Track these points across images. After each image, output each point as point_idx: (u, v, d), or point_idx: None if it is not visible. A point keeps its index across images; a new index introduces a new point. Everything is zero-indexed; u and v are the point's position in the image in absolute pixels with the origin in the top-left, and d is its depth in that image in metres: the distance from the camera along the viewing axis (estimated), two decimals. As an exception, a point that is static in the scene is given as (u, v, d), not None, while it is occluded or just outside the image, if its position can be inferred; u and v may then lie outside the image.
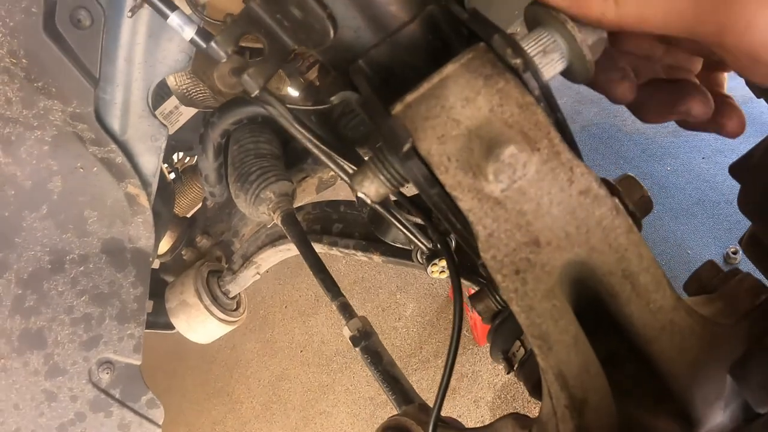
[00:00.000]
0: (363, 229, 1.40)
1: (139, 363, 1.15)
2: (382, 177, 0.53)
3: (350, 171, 0.75)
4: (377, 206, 0.57)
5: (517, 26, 1.43)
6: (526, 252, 0.51)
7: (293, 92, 1.31)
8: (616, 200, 0.52)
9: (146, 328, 1.17)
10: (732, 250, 2.63)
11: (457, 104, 0.51)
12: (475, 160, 0.50)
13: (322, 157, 0.76)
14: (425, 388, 2.85)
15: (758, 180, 0.74)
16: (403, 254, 1.29)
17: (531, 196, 0.51)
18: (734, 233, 2.80)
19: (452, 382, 2.85)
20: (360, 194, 0.55)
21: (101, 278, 1.07)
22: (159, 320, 1.63)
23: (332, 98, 0.57)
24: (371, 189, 0.54)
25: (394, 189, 0.55)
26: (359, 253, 1.37)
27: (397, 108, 0.52)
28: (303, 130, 0.71)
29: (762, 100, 0.68)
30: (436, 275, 1.13)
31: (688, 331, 0.52)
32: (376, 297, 3.36)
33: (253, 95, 0.61)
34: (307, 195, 1.60)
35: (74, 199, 1.00)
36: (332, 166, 0.76)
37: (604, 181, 0.70)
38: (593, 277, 0.52)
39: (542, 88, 0.51)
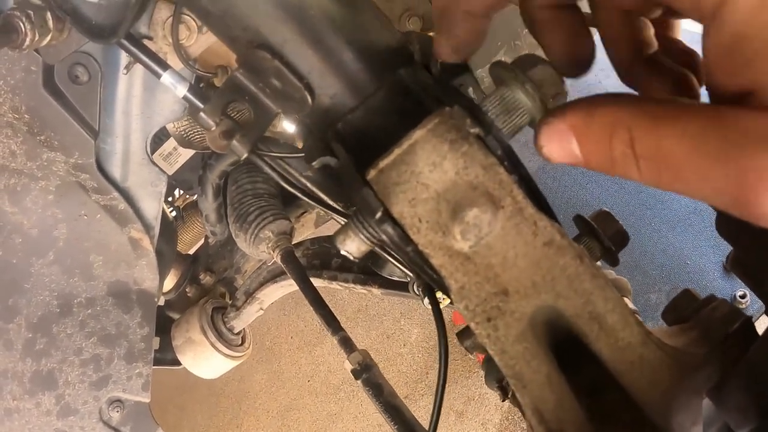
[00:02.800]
0: (361, 263, 1.43)
1: (148, 400, 1.17)
2: (362, 236, 0.56)
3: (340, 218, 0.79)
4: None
5: (502, 55, 1.45)
6: (496, 301, 0.54)
7: (289, 127, 1.33)
8: (581, 248, 0.54)
9: (154, 365, 1.19)
10: (740, 293, 2.56)
11: (425, 169, 0.54)
12: (443, 221, 0.53)
13: (316, 205, 0.79)
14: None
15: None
16: (400, 287, 1.32)
17: (498, 251, 0.54)
18: (732, 242, 2.78)
19: (459, 406, 2.86)
20: (343, 252, 0.58)
21: (108, 320, 1.10)
22: (166, 357, 1.63)
23: (313, 163, 0.60)
24: (353, 247, 0.57)
25: (375, 246, 0.58)
26: (358, 287, 1.39)
27: (372, 174, 0.54)
28: (289, 187, 0.75)
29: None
30: (433, 306, 1.15)
31: (659, 363, 0.54)
32: (381, 324, 3.37)
33: (242, 158, 0.65)
34: (306, 230, 1.62)
35: (80, 245, 1.02)
36: (327, 212, 0.80)
37: (582, 219, 0.72)
38: (563, 319, 0.54)
39: (504, 148, 0.54)
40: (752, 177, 0.35)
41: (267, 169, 0.74)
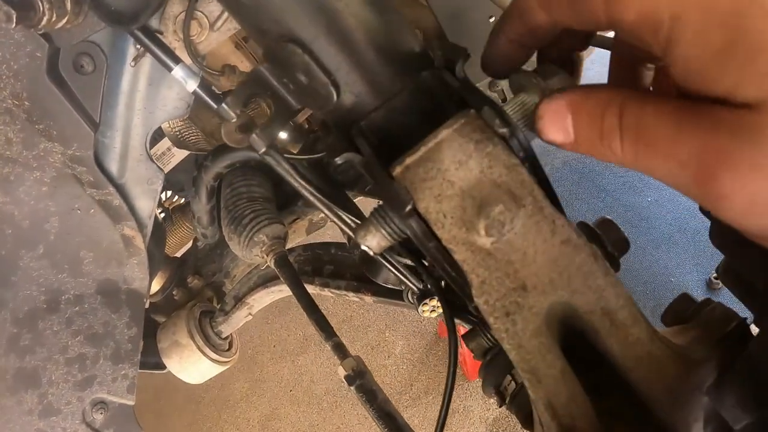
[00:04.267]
0: (354, 270, 1.42)
1: (132, 403, 1.14)
2: (383, 231, 0.59)
3: (348, 221, 0.80)
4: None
5: (486, 82, 1.46)
6: (514, 296, 0.56)
7: (282, 134, 1.33)
8: (594, 247, 0.57)
9: (137, 368, 1.17)
10: (714, 276, 2.69)
11: (452, 167, 0.56)
12: (468, 217, 0.56)
13: (323, 210, 0.80)
14: (417, 425, 2.84)
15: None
16: (394, 294, 1.32)
17: (518, 247, 0.56)
18: (715, 259, 2.79)
19: (442, 421, 2.84)
20: (363, 247, 0.60)
21: (96, 318, 1.07)
22: (149, 360, 1.61)
23: (337, 159, 0.61)
24: (373, 242, 0.60)
25: (394, 242, 0.60)
26: (351, 294, 1.39)
27: (397, 170, 0.57)
28: (306, 185, 0.76)
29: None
30: (427, 314, 1.15)
31: (665, 360, 0.56)
32: (365, 336, 3.36)
33: (260, 153, 0.65)
34: (297, 236, 1.61)
35: (71, 240, 1.00)
36: (332, 217, 0.81)
37: (585, 225, 0.75)
38: (576, 316, 0.57)
39: (526, 150, 0.57)
40: (712, 157, 0.40)
41: (279, 170, 0.75)
